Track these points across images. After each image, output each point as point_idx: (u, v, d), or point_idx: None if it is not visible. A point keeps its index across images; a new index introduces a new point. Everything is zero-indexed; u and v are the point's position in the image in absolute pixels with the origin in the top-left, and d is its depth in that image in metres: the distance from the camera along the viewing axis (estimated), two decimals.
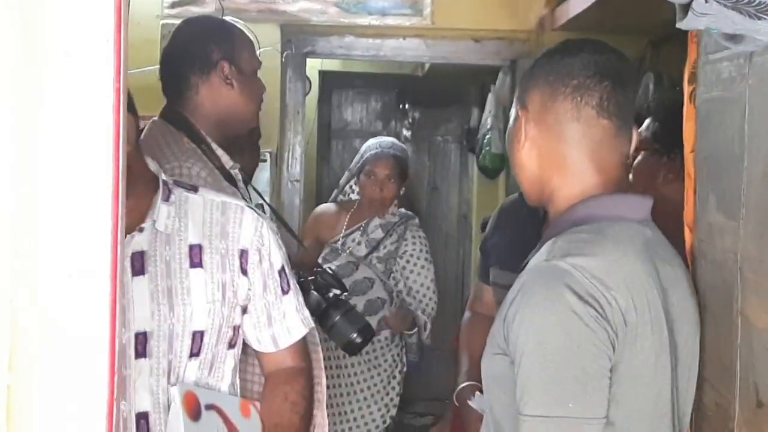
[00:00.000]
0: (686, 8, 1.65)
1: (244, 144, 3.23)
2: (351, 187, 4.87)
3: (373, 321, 4.45)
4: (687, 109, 2.04)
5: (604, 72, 1.94)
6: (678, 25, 1.69)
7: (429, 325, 4.65)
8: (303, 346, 2.55)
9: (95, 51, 1.38)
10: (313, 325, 2.58)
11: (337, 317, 3.03)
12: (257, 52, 3.00)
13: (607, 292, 1.76)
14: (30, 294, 1.36)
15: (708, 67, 1.94)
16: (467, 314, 3.27)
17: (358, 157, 4.78)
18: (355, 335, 3.09)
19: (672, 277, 1.91)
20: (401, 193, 4.74)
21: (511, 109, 2.09)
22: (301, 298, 2.54)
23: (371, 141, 4.85)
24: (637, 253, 1.85)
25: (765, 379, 1.69)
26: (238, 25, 3.06)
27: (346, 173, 5.00)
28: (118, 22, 1.40)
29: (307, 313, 2.55)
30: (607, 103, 1.93)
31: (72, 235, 1.39)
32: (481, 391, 2.82)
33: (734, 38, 1.71)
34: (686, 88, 2.05)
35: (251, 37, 2.99)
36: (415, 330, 4.63)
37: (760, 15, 1.60)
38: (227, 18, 3.42)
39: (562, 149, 1.96)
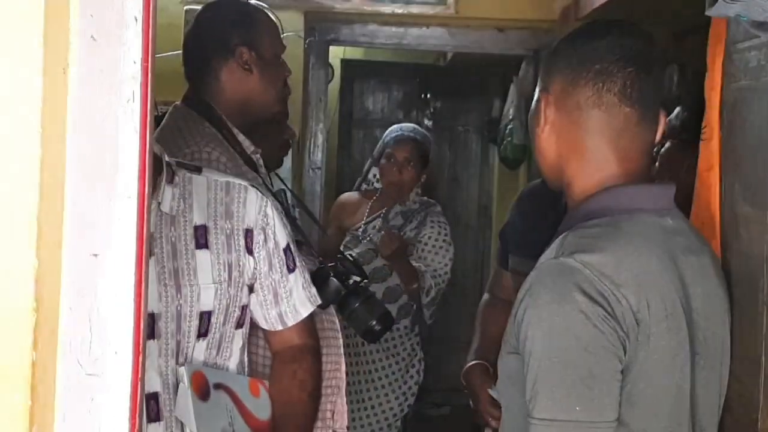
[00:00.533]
0: None
1: (268, 129, 3.19)
2: (375, 176, 4.88)
3: (392, 308, 4.45)
4: (710, 99, 1.99)
5: (629, 57, 1.86)
6: (707, 12, 1.68)
7: (434, 294, 4.59)
8: (310, 323, 2.57)
9: (124, 33, 1.37)
10: (319, 301, 2.58)
11: (357, 304, 3.01)
12: (281, 36, 2.97)
13: (617, 290, 1.70)
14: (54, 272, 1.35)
15: (736, 56, 1.91)
16: (486, 296, 3.27)
17: (380, 143, 4.79)
18: (374, 322, 3.07)
19: (697, 268, 1.85)
20: (422, 179, 4.72)
21: (535, 91, 2.02)
22: (308, 276, 2.56)
23: (393, 127, 4.86)
24: (652, 247, 1.79)
25: None
26: (263, 9, 3.05)
27: (369, 161, 5.02)
28: (147, 1, 1.39)
29: (314, 290, 2.56)
30: (630, 90, 1.86)
31: (100, 217, 1.37)
32: (489, 369, 2.81)
33: (763, 26, 1.69)
34: (708, 78, 2.00)
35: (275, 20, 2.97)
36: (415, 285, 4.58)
37: None
38: (252, 1, 3.39)
39: (581, 136, 1.89)
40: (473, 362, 2.91)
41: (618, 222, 1.81)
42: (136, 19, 1.39)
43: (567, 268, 1.72)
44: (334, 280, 2.86)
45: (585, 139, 1.89)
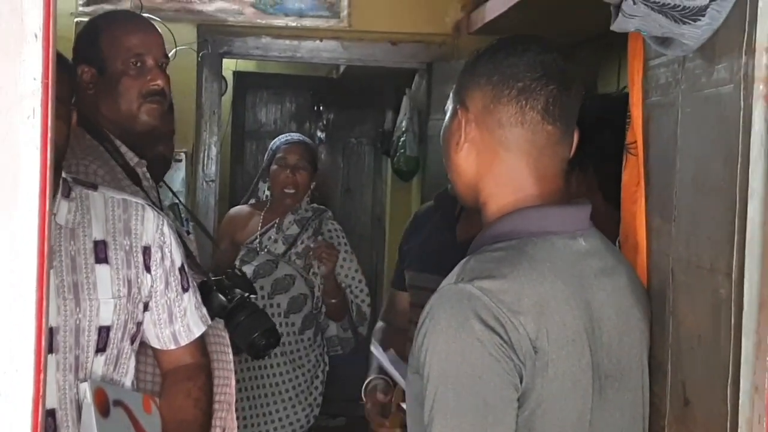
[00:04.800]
0: (618, 10, 1.67)
1: (147, 142, 2.95)
2: (264, 192, 4.88)
3: (297, 318, 4.47)
4: (633, 114, 2.02)
5: (551, 74, 1.83)
6: (611, 27, 1.71)
7: (364, 309, 4.63)
8: (201, 342, 2.58)
9: (23, 49, 1.36)
10: (211, 322, 2.60)
11: (242, 318, 2.99)
12: (172, 50, 2.89)
13: (515, 317, 1.68)
14: None
15: (649, 73, 1.95)
16: (380, 324, 3.27)
17: (267, 154, 4.78)
18: (257, 336, 3.02)
19: (610, 290, 1.83)
20: (312, 186, 4.72)
21: (448, 105, 1.96)
22: (198, 296, 2.56)
23: (279, 136, 4.87)
24: (557, 271, 1.76)
25: (691, 377, 1.72)
26: (119, 20, 2.92)
27: (257, 176, 5.02)
28: (47, 18, 1.38)
29: (204, 311, 2.57)
30: (553, 108, 1.83)
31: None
32: (389, 384, 2.83)
33: (664, 43, 1.74)
34: (631, 94, 2.02)
35: (165, 32, 2.86)
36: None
37: (684, 20, 1.62)
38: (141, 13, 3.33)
39: (502, 154, 1.85)
40: (373, 377, 2.93)
41: (524, 246, 1.78)
42: (36, 36, 1.38)
43: (465, 295, 1.70)
44: (218, 294, 2.84)
45: (505, 158, 1.85)
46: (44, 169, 1.39)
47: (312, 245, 4.56)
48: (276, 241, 4.61)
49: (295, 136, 4.85)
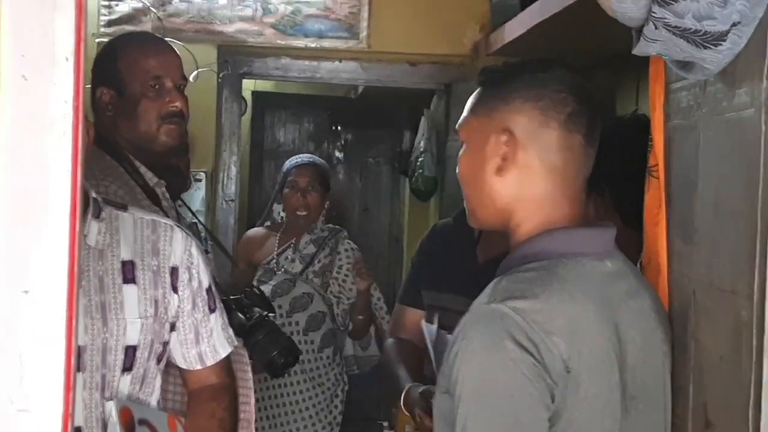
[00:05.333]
0: (639, 34, 1.68)
1: (166, 164, 3.01)
2: (278, 213, 4.91)
3: (316, 336, 4.50)
4: (655, 138, 2.03)
5: (588, 99, 1.88)
6: (633, 51, 1.73)
7: (384, 327, 4.66)
8: (227, 363, 2.59)
9: (55, 72, 1.38)
10: (237, 343, 2.62)
11: (260, 336, 3.00)
12: (194, 72, 2.91)
13: (548, 338, 1.69)
14: None
15: (671, 96, 1.97)
16: (390, 340, 3.27)
17: (280, 176, 4.85)
18: (276, 354, 3.04)
19: (635, 312, 1.84)
20: (326, 205, 4.77)
21: (470, 132, 1.94)
22: (225, 318, 2.58)
23: (291, 158, 4.94)
24: (588, 293, 1.78)
25: (712, 399, 1.72)
26: (138, 41, 2.97)
27: (271, 198, 5.11)
28: (78, 42, 1.41)
29: (231, 332, 2.59)
30: (591, 131, 1.87)
31: (31, 253, 1.38)
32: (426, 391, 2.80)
33: (685, 67, 1.75)
34: (653, 117, 2.04)
35: (186, 53, 2.88)
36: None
37: (706, 44, 1.63)
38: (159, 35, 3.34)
39: (545, 177, 1.86)
40: (411, 385, 2.89)
41: (554, 267, 1.80)
42: (66, 59, 1.40)
43: (498, 315, 1.71)
44: (237, 313, 2.86)
45: (548, 180, 1.86)
46: (74, 190, 1.40)
47: (349, 262, 4.62)
48: (293, 260, 4.64)
49: (305, 157, 4.91)
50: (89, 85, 2.87)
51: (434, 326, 2.66)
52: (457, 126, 2.00)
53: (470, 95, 2.00)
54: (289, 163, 4.82)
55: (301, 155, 4.99)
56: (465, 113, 1.98)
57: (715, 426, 1.71)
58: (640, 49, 1.71)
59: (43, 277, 1.39)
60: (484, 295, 1.80)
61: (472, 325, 1.75)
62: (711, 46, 1.63)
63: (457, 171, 1.98)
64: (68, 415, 1.41)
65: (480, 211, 1.94)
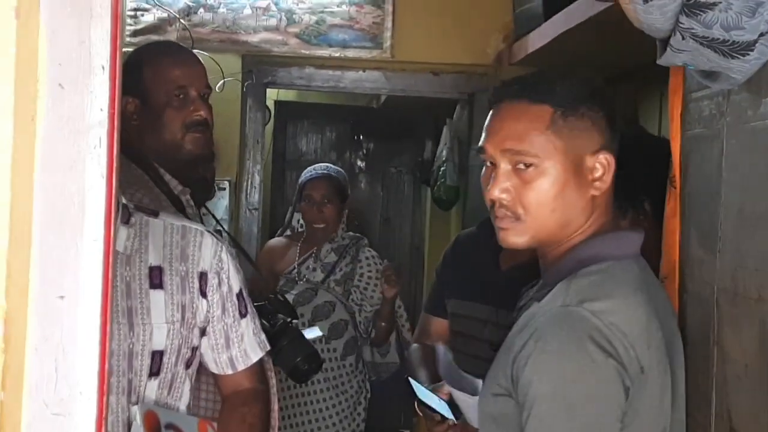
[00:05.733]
0: (665, 45, 1.70)
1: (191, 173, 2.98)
2: (299, 221, 4.93)
3: (338, 344, 4.52)
4: (673, 147, 2.05)
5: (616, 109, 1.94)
6: (658, 61, 1.74)
7: (405, 334, 4.71)
8: (260, 368, 2.60)
9: (91, 81, 1.41)
10: (269, 348, 2.62)
11: (284, 343, 3.02)
12: (220, 82, 2.92)
13: (626, 339, 1.74)
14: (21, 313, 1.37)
15: (691, 105, 1.98)
16: (414, 346, 3.27)
17: (297, 186, 4.86)
18: (299, 360, 3.05)
19: (662, 302, 1.91)
20: (344, 214, 4.79)
21: (547, 153, 1.88)
22: (257, 322, 2.59)
23: (306, 169, 4.94)
24: (639, 292, 1.83)
25: (737, 406, 1.74)
26: (163, 50, 2.99)
27: (290, 208, 5.13)
28: (114, 51, 1.43)
29: (263, 336, 2.59)
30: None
31: (66, 259, 1.40)
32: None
33: (710, 76, 1.76)
34: (671, 127, 2.06)
35: (211, 63, 2.88)
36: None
37: (734, 54, 1.65)
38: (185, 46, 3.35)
39: (611, 189, 1.93)
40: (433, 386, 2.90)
41: (613, 269, 1.85)
42: (102, 68, 1.43)
43: (578, 317, 1.76)
44: (261, 320, 2.88)
45: (609, 192, 1.93)
46: (110, 197, 1.43)
47: (370, 270, 4.64)
48: (314, 269, 4.66)
49: (320, 168, 4.88)
50: None
51: (449, 353, 2.68)
52: (523, 147, 1.90)
53: None
54: (304, 176, 4.83)
55: (316, 166, 4.96)
56: (535, 133, 1.89)
57: None
58: (666, 60, 1.72)
59: (78, 283, 1.41)
60: (556, 297, 1.84)
61: (550, 327, 1.78)
62: (739, 56, 1.64)
63: (523, 195, 1.89)
64: (102, 419, 1.44)
65: (542, 227, 1.91)
